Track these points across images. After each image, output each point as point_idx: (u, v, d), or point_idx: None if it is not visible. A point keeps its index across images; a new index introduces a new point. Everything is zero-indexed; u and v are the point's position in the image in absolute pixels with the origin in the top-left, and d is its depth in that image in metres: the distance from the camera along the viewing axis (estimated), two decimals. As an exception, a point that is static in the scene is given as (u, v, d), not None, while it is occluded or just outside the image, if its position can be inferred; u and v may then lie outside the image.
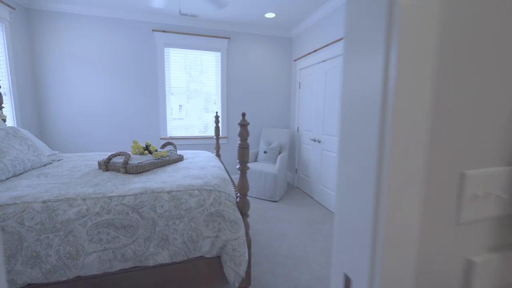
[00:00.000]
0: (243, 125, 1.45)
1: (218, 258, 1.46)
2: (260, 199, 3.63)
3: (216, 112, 3.17)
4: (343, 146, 0.56)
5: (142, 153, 2.15)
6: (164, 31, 3.68)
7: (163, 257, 1.37)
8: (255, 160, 4.05)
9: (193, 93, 4.03)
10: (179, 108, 4.03)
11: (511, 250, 0.59)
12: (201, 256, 1.43)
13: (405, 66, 0.41)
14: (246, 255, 1.44)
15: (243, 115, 1.47)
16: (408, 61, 0.41)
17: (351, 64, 0.51)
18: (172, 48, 3.82)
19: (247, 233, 1.52)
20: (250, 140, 4.37)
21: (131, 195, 1.39)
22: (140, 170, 1.84)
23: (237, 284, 1.42)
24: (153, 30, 3.65)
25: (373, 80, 0.45)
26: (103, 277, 1.31)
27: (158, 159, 2.09)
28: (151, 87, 3.79)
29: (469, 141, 0.52)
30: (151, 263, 1.35)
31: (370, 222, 0.48)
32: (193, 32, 3.84)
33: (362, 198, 0.50)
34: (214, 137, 3.66)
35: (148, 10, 3.46)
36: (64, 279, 1.25)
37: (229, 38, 3.96)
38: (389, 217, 0.46)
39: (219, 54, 4.01)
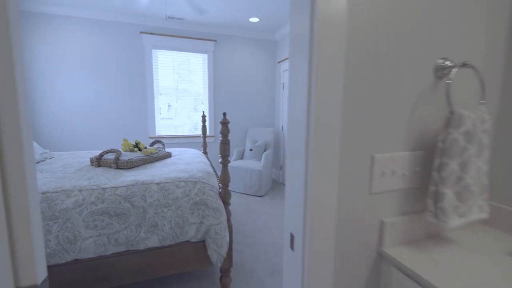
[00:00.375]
0: (224, 123, 1.63)
1: (202, 242, 1.63)
2: (246, 194, 3.81)
3: (203, 112, 3.33)
4: (288, 141, 0.75)
5: (132, 150, 2.29)
6: (151, 33, 3.79)
7: (153, 242, 1.53)
8: (242, 158, 4.23)
9: (182, 93, 4.15)
10: (168, 108, 4.14)
11: (413, 214, 0.80)
12: (187, 241, 1.60)
13: (321, 76, 0.61)
14: (227, 238, 1.62)
15: (224, 114, 1.65)
16: (323, 72, 0.61)
17: (292, 74, 0.70)
18: (160, 50, 3.94)
19: (228, 220, 1.70)
20: (237, 139, 4.54)
21: (123, 186, 1.55)
22: (130, 165, 1.99)
23: (219, 264, 1.60)
24: (141, 32, 3.76)
25: (302, 90, 0.64)
26: (98, 260, 1.46)
27: (148, 155, 2.24)
28: (140, 87, 3.90)
29: (377, 133, 0.72)
30: (141, 247, 1.51)
31: (302, 195, 0.67)
32: (180, 35, 3.97)
33: (297, 179, 0.69)
34: (202, 135, 3.81)
35: (136, 12, 3.57)
36: (63, 262, 1.39)
37: (215, 40, 4.11)
38: (314, 191, 0.65)
39: (206, 56, 4.16)
